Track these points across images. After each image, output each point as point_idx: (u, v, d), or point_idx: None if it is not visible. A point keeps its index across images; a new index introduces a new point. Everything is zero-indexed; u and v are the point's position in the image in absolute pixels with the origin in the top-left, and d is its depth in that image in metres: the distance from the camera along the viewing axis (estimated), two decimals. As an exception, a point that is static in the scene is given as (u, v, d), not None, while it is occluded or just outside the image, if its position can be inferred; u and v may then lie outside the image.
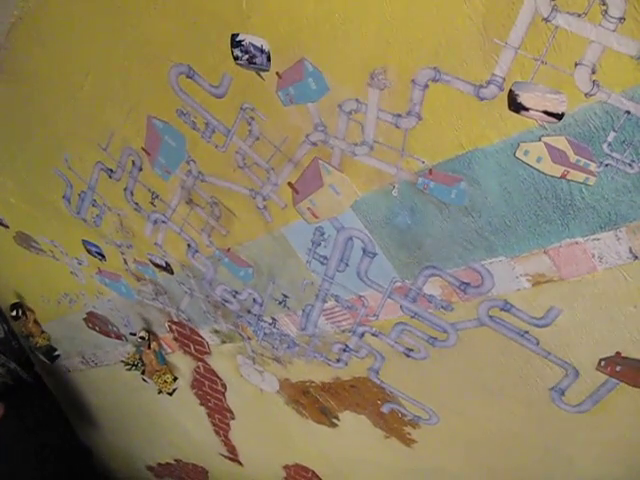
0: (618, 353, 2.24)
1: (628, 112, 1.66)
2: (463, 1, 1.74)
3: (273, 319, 3.39)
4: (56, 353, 6.15)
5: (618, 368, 2.28)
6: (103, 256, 4.10)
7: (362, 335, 3.01)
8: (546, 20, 1.65)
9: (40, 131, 3.36)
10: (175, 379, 4.80)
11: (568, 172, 1.86)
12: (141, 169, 3.12)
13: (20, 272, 5.31)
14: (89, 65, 2.80)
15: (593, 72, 1.66)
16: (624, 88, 1.64)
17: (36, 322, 5.88)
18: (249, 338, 3.72)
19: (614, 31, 1.57)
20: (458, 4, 1.75)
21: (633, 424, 2.45)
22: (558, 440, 2.76)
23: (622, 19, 1.55)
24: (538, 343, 2.40)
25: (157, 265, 3.76)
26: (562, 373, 2.45)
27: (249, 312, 3.48)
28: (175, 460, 6.42)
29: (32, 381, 6.93)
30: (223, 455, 5.48)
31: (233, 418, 4.81)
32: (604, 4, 1.55)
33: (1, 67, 3.11)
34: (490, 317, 2.45)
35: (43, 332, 5.95)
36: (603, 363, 2.31)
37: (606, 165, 1.79)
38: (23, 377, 6.92)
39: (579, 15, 1.60)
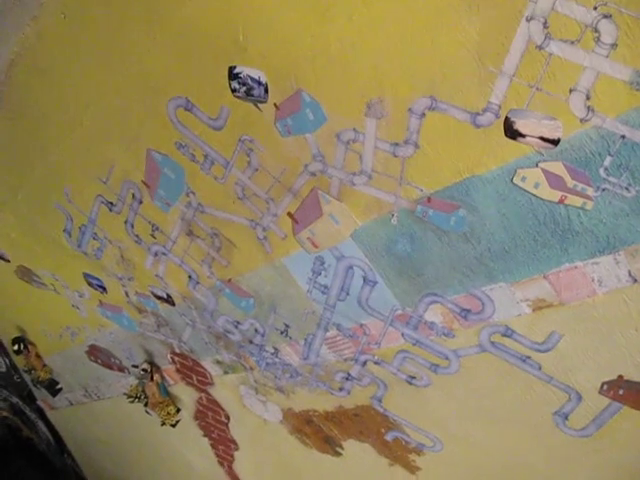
0: (620, 376, 2.23)
1: (623, 136, 1.68)
2: (458, 30, 1.75)
3: (275, 349, 3.38)
4: (58, 387, 6.13)
5: (621, 391, 2.27)
6: (104, 289, 4.10)
7: (364, 363, 3.00)
8: (540, 47, 1.66)
9: (40, 165, 3.38)
10: (178, 411, 4.78)
11: (566, 197, 1.87)
12: (141, 202, 3.14)
13: (21, 306, 5.31)
14: (88, 99, 2.82)
15: (587, 98, 1.67)
16: (619, 113, 1.65)
17: (38, 356, 5.87)
18: (251, 368, 3.71)
19: (607, 57, 1.59)
20: (453, 33, 1.77)
21: (637, 448, 2.43)
22: (562, 465, 2.74)
23: (614, 45, 1.56)
24: (540, 368, 2.39)
25: (158, 297, 3.76)
26: (565, 397, 2.44)
27: (251, 342, 3.47)
28: (179, 492, 6.38)
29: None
30: (227, 487, 5.44)
31: (237, 449, 4.78)
32: (596, 31, 1.57)
33: (1, 103, 3.14)
34: (492, 343, 2.44)
35: (45, 366, 5.94)
36: (606, 387, 2.30)
37: (603, 189, 1.80)
38: (25, 411, 6.90)
39: (572, 42, 1.62)
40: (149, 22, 2.37)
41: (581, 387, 2.37)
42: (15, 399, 6.90)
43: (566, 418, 2.51)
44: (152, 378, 4.53)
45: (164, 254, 3.35)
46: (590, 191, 1.82)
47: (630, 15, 1.51)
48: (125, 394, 4.82)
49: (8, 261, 4.61)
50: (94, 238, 3.65)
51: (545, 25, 1.63)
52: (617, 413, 2.34)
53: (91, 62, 2.66)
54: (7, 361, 6.57)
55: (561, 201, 1.89)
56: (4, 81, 2.99)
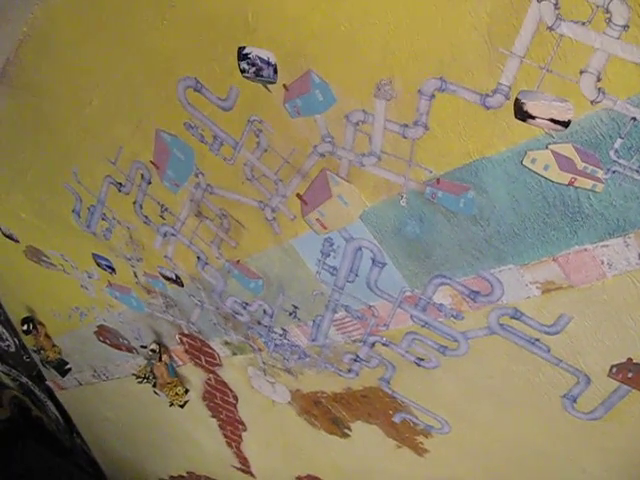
0: (629, 359, 2.23)
1: (634, 119, 1.67)
2: (468, 11, 1.74)
3: (284, 330, 3.39)
4: (67, 367, 6.16)
5: (630, 374, 2.27)
6: (113, 269, 4.11)
7: (373, 345, 3.01)
8: (550, 29, 1.65)
9: (49, 146, 3.38)
10: (186, 391, 4.80)
11: (576, 179, 1.86)
12: (150, 182, 3.14)
13: (31, 286, 5.33)
14: (97, 80, 2.82)
15: (598, 79, 1.66)
16: (629, 95, 1.64)
17: (47, 336, 5.89)
18: (260, 349, 3.72)
19: (618, 39, 1.58)
20: (463, 14, 1.76)
21: (645, 431, 2.44)
22: (571, 448, 2.75)
23: (626, 27, 1.55)
24: (549, 351, 2.39)
25: (167, 278, 3.77)
26: (574, 380, 2.44)
27: (259, 323, 3.48)
28: (187, 473, 6.42)
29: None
30: (235, 467, 5.47)
31: (245, 430, 4.81)
32: (608, 12, 1.56)
33: (11, 82, 3.14)
34: (500, 325, 2.45)
35: (54, 346, 5.96)
36: (615, 370, 2.30)
37: (613, 172, 1.79)
38: (34, 391, 6.94)
39: (583, 23, 1.61)
40: (158, 2, 2.36)
41: (590, 370, 2.37)
42: (24, 379, 6.95)
43: (575, 401, 2.51)
44: (160, 359, 4.55)
45: (173, 235, 3.35)
46: (600, 173, 1.82)
47: (643, -4, 1.50)
48: (134, 374, 4.84)
49: (17, 241, 4.62)
50: (103, 219, 3.66)
51: (556, 6, 1.62)
52: (626, 396, 2.34)
53: (100, 42, 2.66)
54: (16, 341, 6.60)
55: (571, 183, 1.88)
56: (13, 61, 2.99)
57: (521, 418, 2.78)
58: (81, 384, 6.35)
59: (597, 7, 1.57)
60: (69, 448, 7.58)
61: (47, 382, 6.90)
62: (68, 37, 2.73)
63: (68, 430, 7.42)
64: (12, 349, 6.69)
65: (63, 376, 6.34)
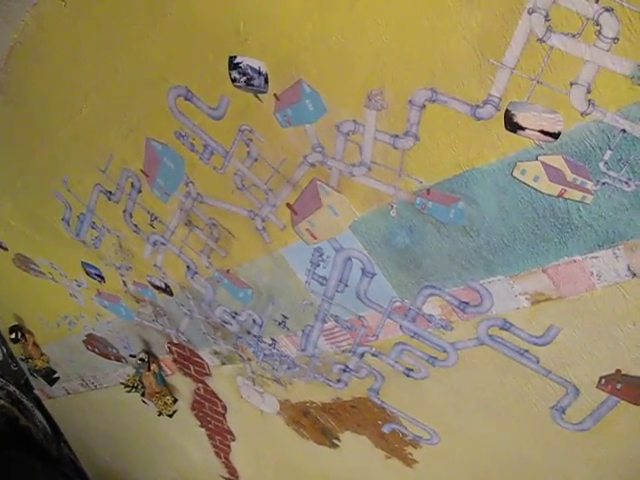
0: (618, 371, 2.23)
1: (624, 130, 1.67)
2: (458, 22, 1.75)
3: (273, 340, 3.38)
4: (55, 375, 6.14)
5: (618, 386, 2.27)
6: (102, 278, 4.10)
7: (362, 355, 3.00)
8: (541, 40, 1.66)
9: (40, 153, 3.38)
10: (175, 401, 4.78)
11: (565, 191, 1.87)
12: (140, 191, 3.13)
13: (19, 294, 5.32)
14: (88, 87, 2.82)
15: (588, 91, 1.67)
16: (619, 107, 1.65)
17: (35, 344, 5.87)
18: (249, 359, 3.71)
19: (608, 51, 1.59)
20: (454, 25, 1.76)
21: (634, 443, 2.43)
22: (560, 459, 2.74)
23: (616, 39, 1.56)
24: (538, 362, 2.40)
25: (156, 287, 3.76)
26: (562, 391, 2.44)
27: (249, 333, 3.47)
28: (175, 483, 6.40)
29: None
30: (224, 477, 5.45)
31: (234, 440, 4.80)
32: (598, 24, 1.56)
33: (1, 89, 3.13)
34: (490, 336, 2.45)
35: (42, 354, 5.94)
36: (603, 381, 2.30)
37: (603, 183, 1.80)
38: (22, 400, 6.90)
39: (573, 35, 1.61)
40: (150, 10, 2.36)
41: (579, 381, 2.37)
42: (12, 388, 6.91)
43: (563, 412, 2.51)
44: (149, 368, 4.53)
45: (163, 244, 3.35)
46: (590, 185, 1.82)
47: (632, 9, 1.51)
48: (122, 383, 4.82)
49: (6, 249, 4.61)
50: (92, 227, 3.65)
51: (547, 18, 1.63)
52: (614, 408, 2.34)
53: (91, 50, 2.66)
54: (4, 349, 6.58)
55: (561, 195, 1.89)
56: (3, 68, 2.98)
57: (510, 429, 2.78)
58: (69, 393, 6.33)
59: (587, 19, 1.58)
60: (56, 458, 7.53)
61: (35, 391, 6.88)
62: (59, 44, 2.73)
63: (56, 439, 7.39)
64: (0, 358, 6.66)
65: (51, 385, 6.32)
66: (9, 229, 4.27)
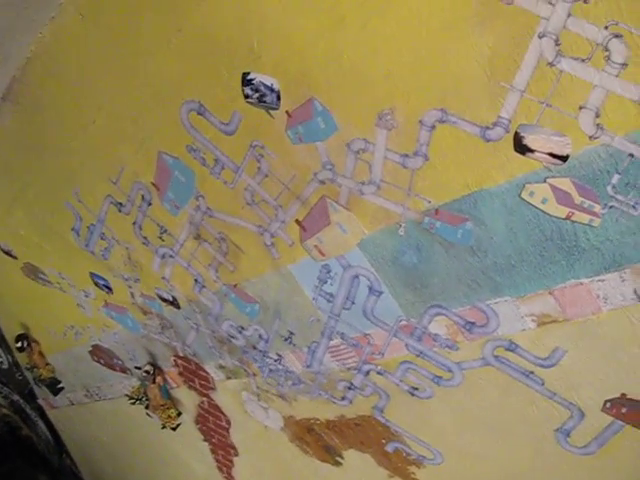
0: (623, 394, 2.23)
1: (632, 155, 1.68)
2: (470, 45, 1.77)
3: (279, 355, 3.38)
4: (60, 386, 6.13)
5: (624, 410, 2.26)
6: (110, 289, 4.11)
7: (367, 373, 3.00)
8: (551, 64, 1.68)
9: (52, 163, 3.40)
10: (179, 414, 4.77)
11: (573, 213, 1.88)
12: (150, 204, 3.15)
13: (27, 303, 5.33)
14: (102, 100, 2.85)
15: (597, 116, 1.68)
16: (627, 132, 1.66)
17: (41, 354, 5.88)
18: (254, 374, 3.71)
19: (617, 76, 1.60)
20: (465, 47, 1.78)
21: (639, 467, 2.42)
22: (563, 482, 2.74)
23: (624, 65, 1.58)
24: (543, 384, 2.39)
25: (164, 299, 3.77)
26: (567, 414, 2.44)
27: (255, 348, 3.48)
28: (177, 496, 6.37)
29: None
30: (226, 492, 5.43)
31: (237, 455, 4.78)
32: (607, 50, 1.58)
33: (16, 100, 3.17)
34: (495, 357, 2.45)
35: (48, 364, 5.94)
36: (608, 405, 2.29)
37: (610, 207, 1.80)
38: (25, 409, 6.90)
39: (583, 60, 1.63)
40: (165, 26, 2.39)
41: (584, 404, 2.36)
42: (16, 397, 6.90)
43: (568, 435, 2.50)
44: (154, 380, 4.53)
45: (171, 257, 3.36)
46: (597, 208, 1.83)
47: (641, 35, 1.52)
48: (127, 395, 4.82)
49: (15, 258, 4.63)
50: (102, 238, 3.67)
51: (557, 42, 1.64)
52: (619, 432, 2.33)
53: (106, 63, 2.69)
54: (10, 358, 6.58)
55: (568, 217, 1.89)
56: (20, 78, 3.02)
57: (514, 451, 2.77)
58: (73, 404, 6.32)
59: (597, 45, 1.59)
60: (58, 468, 7.50)
61: (39, 400, 6.87)
62: (75, 57, 2.76)
63: (58, 450, 7.36)
64: (5, 366, 6.67)
65: (55, 395, 6.31)
66: (19, 238, 4.30)
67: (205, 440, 4.95)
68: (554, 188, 1.86)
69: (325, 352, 3.09)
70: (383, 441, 3.36)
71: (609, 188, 1.78)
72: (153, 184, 3.04)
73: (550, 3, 1.61)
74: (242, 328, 3.42)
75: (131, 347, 4.62)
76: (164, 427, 4.79)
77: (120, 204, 3.31)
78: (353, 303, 2.73)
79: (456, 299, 2.38)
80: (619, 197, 1.77)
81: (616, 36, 1.55)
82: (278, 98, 2.28)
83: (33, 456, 7.34)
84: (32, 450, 7.33)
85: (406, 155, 2.11)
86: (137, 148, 2.94)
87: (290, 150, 2.40)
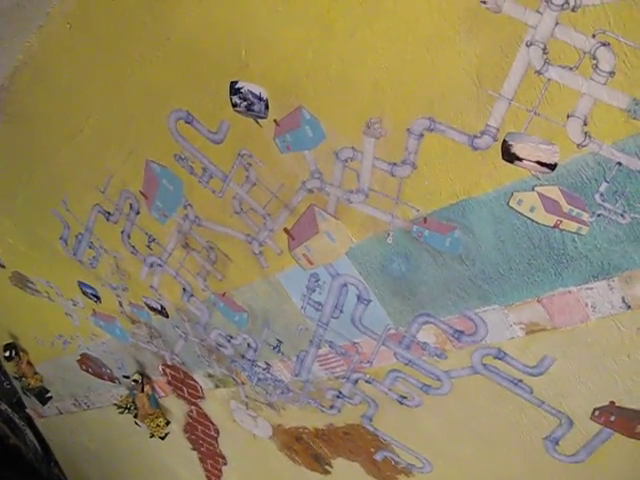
0: (612, 403, 2.23)
1: (619, 163, 1.69)
2: (458, 53, 1.77)
3: (267, 364, 3.38)
4: (48, 395, 6.10)
5: (612, 418, 2.26)
6: (98, 298, 4.10)
7: (356, 382, 3.00)
8: (539, 73, 1.68)
9: (40, 172, 3.39)
10: (168, 423, 4.76)
11: (561, 222, 1.88)
12: (138, 212, 3.14)
13: (15, 312, 5.30)
14: (90, 109, 2.84)
15: (585, 124, 1.68)
16: (615, 140, 1.66)
17: (29, 363, 5.85)
18: (243, 383, 3.70)
19: (605, 84, 1.60)
20: (453, 56, 1.78)
21: (629, 476, 2.42)
22: (552, 491, 2.73)
23: (612, 73, 1.58)
24: (532, 392, 2.39)
25: (152, 308, 3.76)
26: (556, 422, 2.44)
27: (243, 357, 3.47)
28: (166, 506, 6.34)
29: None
30: (215, 501, 5.41)
31: (225, 464, 4.76)
32: (594, 58, 1.58)
33: (4, 109, 3.15)
34: (484, 365, 2.44)
35: (36, 373, 5.91)
36: (597, 413, 2.30)
37: (598, 215, 1.81)
38: (13, 419, 6.86)
39: (571, 68, 1.63)
40: (153, 35, 2.38)
41: (572, 412, 2.36)
42: (4, 406, 6.87)
43: (557, 443, 2.50)
44: (143, 389, 4.51)
45: (159, 265, 3.35)
46: (585, 216, 1.83)
47: (628, 44, 1.53)
48: (115, 404, 4.80)
49: (3, 267, 4.61)
50: (90, 247, 3.65)
51: (544, 50, 1.65)
52: (608, 440, 2.34)
53: (94, 72, 2.68)
54: (-3, 368, 6.55)
55: (556, 225, 1.90)
56: (7, 87, 3.00)
57: (503, 459, 2.77)
58: (61, 413, 6.29)
59: (584, 53, 1.60)
60: (46, 478, 7.47)
61: (27, 410, 6.83)
62: (63, 65, 2.75)
63: (46, 459, 7.33)
64: (-7, 376, 6.64)
65: (44, 404, 6.28)
66: (7, 247, 4.28)
67: (194, 449, 4.93)
68: (542, 196, 1.87)
69: (314, 361, 3.09)
70: (372, 450, 3.35)
71: (597, 196, 1.78)
72: (141, 193, 3.03)
73: (538, 11, 1.61)
74: (231, 337, 3.41)
75: (120, 356, 4.60)
76: (152, 436, 4.77)
77: (108, 213, 3.30)
78: (342, 312, 2.73)
79: (444, 307, 2.38)
80: (607, 205, 1.77)
81: (604, 44, 1.56)
82: (266, 107, 2.28)
83: (21, 465, 7.30)
84: (20, 459, 7.29)
85: (394, 164, 2.11)
86: (125, 157, 2.93)
87: (278, 159, 2.40)
